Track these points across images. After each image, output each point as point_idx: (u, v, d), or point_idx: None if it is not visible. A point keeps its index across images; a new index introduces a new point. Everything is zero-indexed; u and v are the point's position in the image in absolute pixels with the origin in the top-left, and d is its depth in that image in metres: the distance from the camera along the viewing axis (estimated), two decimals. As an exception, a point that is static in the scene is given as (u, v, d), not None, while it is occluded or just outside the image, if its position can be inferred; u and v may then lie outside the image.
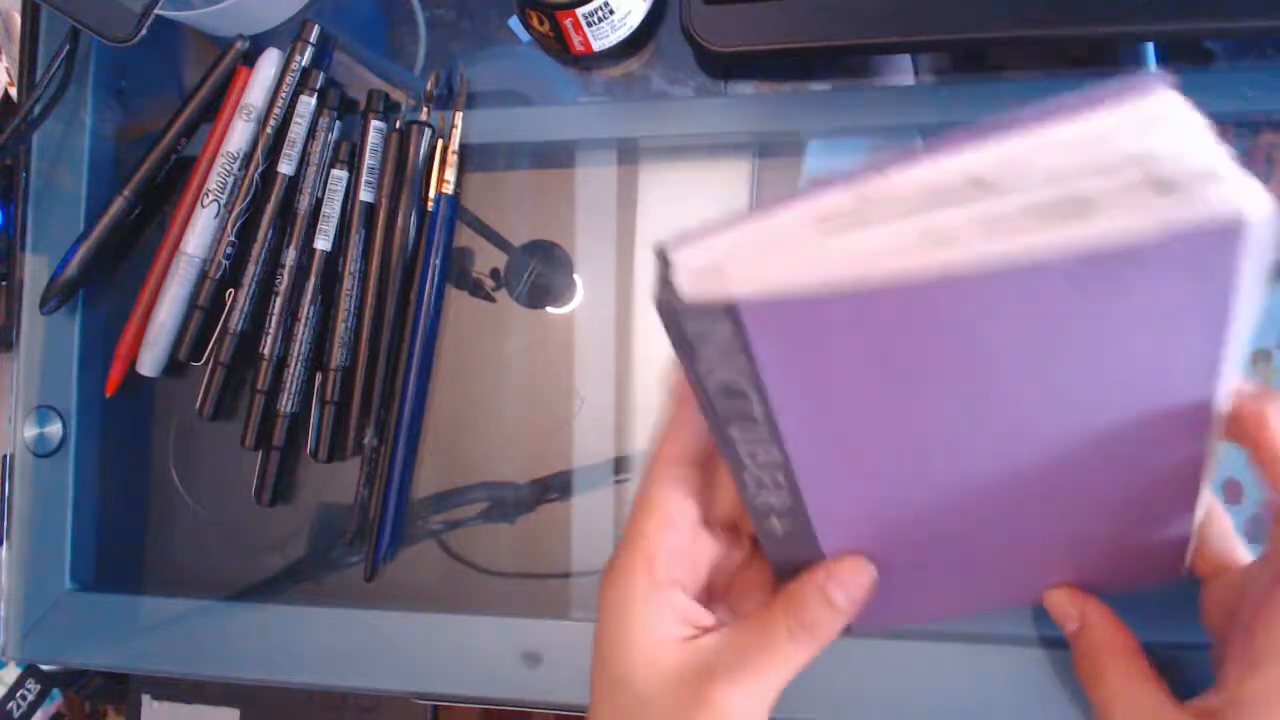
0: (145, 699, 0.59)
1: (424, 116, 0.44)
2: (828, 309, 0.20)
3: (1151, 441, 0.24)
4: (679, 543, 0.28)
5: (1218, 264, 0.19)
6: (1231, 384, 0.23)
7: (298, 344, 0.43)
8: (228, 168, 0.44)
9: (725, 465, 0.26)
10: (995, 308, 0.20)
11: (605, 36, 0.41)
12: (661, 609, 0.28)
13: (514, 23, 0.45)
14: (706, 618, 0.29)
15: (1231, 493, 0.36)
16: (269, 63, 0.45)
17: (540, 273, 0.44)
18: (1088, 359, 0.21)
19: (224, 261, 0.44)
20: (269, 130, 0.44)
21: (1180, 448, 0.24)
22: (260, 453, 0.44)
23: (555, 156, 0.44)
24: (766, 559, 0.30)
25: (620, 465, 0.42)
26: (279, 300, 0.44)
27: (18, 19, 0.50)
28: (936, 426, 0.23)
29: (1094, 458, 0.24)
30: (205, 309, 0.44)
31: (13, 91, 0.52)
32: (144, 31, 0.41)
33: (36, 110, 0.47)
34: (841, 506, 0.26)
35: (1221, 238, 0.18)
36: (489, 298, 0.44)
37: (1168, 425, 0.23)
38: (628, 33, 0.41)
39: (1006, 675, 0.37)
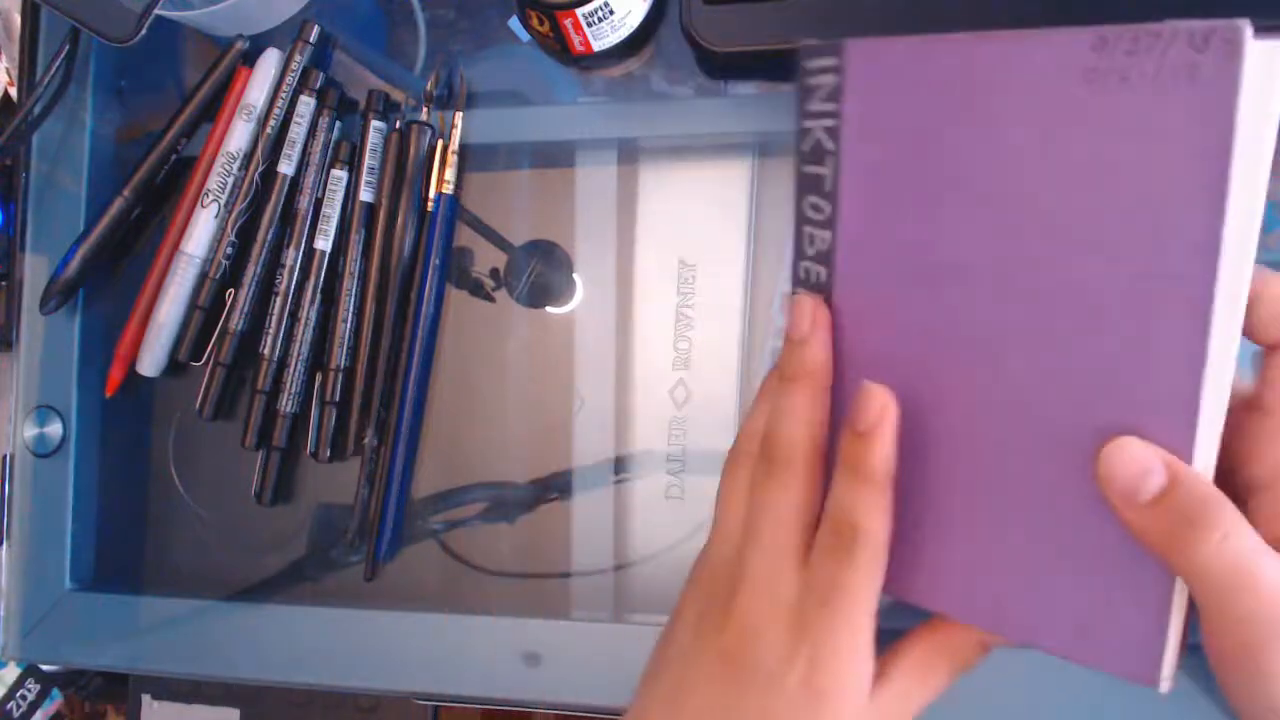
0: (145, 699, 0.59)
1: (424, 116, 0.44)
2: (903, 56, 0.25)
3: (1148, 302, 0.22)
4: None
5: (1218, 78, 0.20)
6: (1239, 263, 0.21)
7: (298, 344, 0.43)
8: (228, 168, 0.44)
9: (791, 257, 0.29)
10: (1021, 87, 0.23)
11: (605, 36, 0.41)
12: None
13: (514, 23, 0.45)
14: None
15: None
16: (269, 63, 0.45)
17: (540, 273, 0.44)
18: (1094, 174, 0.22)
19: (224, 261, 0.44)
20: (269, 130, 0.44)
21: (1178, 320, 0.21)
22: (260, 453, 0.44)
23: (555, 156, 0.44)
24: None
25: (620, 465, 0.42)
26: (279, 300, 0.44)
27: (18, 19, 0.50)
28: (965, 241, 0.25)
29: (1092, 309, 0.23)
30: (205, 309, 0.44)
31: (13, 91, 0.52)
32: (144, 31, 0.41)
33: (36, 110, 0.47)
34: (866, 314, 0.28)
35: (1223, 45, 0.19)
36: (489, 298, 0.44)
37: (1168, 281, 0.21)
38: (628, 33, 0.41)
39: (1009, 675, 0.37)
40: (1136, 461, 0.21)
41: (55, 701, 0.66)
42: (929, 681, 0.27)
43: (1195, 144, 0.20)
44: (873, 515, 0.25)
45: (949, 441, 0.26)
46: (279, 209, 0.44)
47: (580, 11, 0.39)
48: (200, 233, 0.44)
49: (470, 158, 0.44)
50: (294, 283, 0.44)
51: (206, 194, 0.44)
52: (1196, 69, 0.20)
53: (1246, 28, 0.19)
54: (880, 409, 0.25)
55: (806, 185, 0.28)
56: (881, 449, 0.25)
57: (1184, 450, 0.21)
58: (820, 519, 0.27)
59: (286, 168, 0.44)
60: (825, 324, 0.28)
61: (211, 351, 0.45)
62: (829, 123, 0.27)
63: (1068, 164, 0.22)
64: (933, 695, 0.27)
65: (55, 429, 0.47)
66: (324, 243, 0.44)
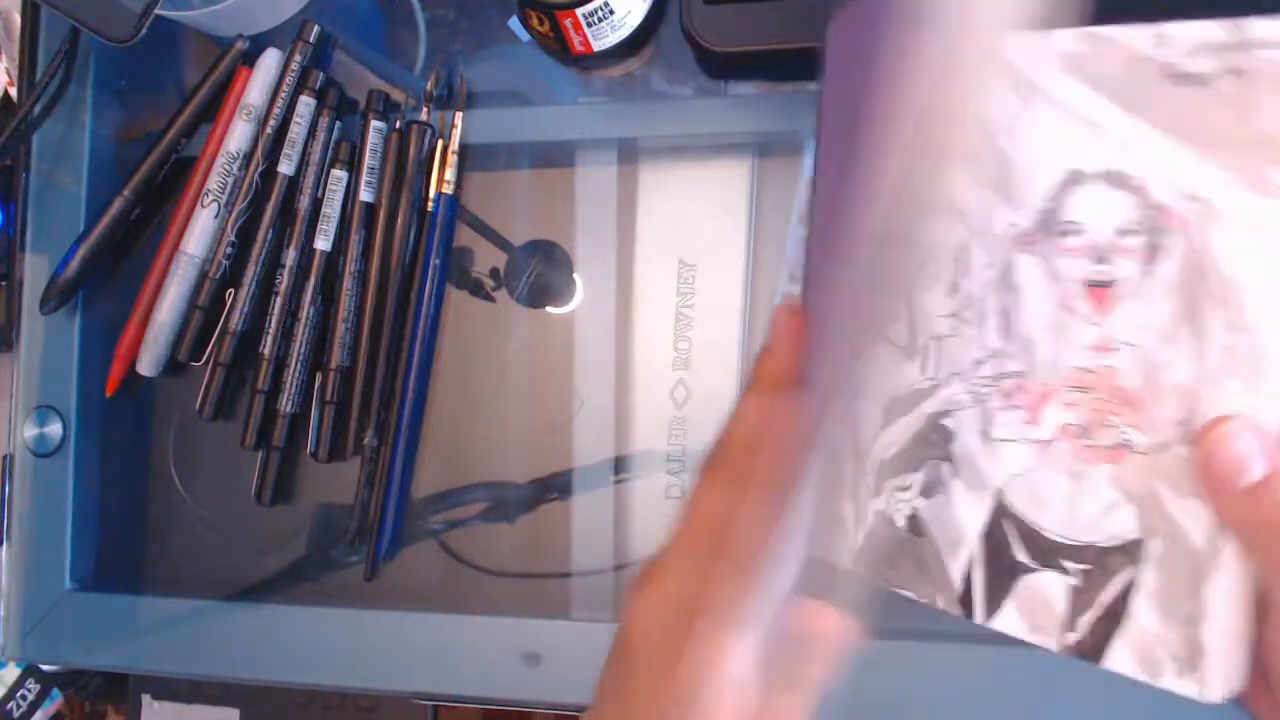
0: (145, 699, 0.59)
1: (424, 116, 0.44)
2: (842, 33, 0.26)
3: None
4: None
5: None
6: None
7: (298, 344, 0.43)
8: (228, 168, 0.44)
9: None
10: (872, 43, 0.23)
11: (605, 36, 0.41)
12: None
13: (514, 23, 0.45)
14: None
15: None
16: (269, 63, 0.45)
17: (540, 273, 0.44)
18: None
19: (224, 261, 0.44)
20: (269, 130, 0.44)
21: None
22: (260, 453, 0.44)
23: (555, 156, 0.44)
24: None
25: (620, 465, 0.42)
26: (279, 300, 0.44)
27: (18, 19, 0.50)
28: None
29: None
30: (205, 309, 0.44)
31: (13, 91, 0.52)
32: (144, 31, 0.41)
33: (36, 110, 0.47)
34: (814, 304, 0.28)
35: None
36: (489, 298, 0.44)
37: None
38: (628, 33, 0.41)
39: (1008, 675, 0.37)
40: (1240, 446, 0.21)
41: (55, 701, 0.66)
42: (807, 687, 0.26)
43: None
44: (749, 528, 0.24)
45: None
46: (279, 209, 0.44)
47: (580, 11, 0.39)
48: (200, 233, 0.44)
49: (470, 158, 0.44)
50: (294, 283, 0.44)
51: (206, 194, 0.44)
52: None
53: None
54: (758, 423, 0.25)
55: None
56: (768, 460, 0.24)
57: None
58: None
59: (286, 168, 0.44)
60: (794, 334, 0.27)
61: (211, 351, 0.45)
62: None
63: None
64: (813, 700, 0.26)
65: (55, 429, 0.47)
66: (324, 243, 0.44)
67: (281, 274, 0.44)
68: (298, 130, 0.44)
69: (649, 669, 0.26)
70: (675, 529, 0.27)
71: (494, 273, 0.44)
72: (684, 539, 0.27)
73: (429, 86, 0.44)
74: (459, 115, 0.43)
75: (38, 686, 0.65)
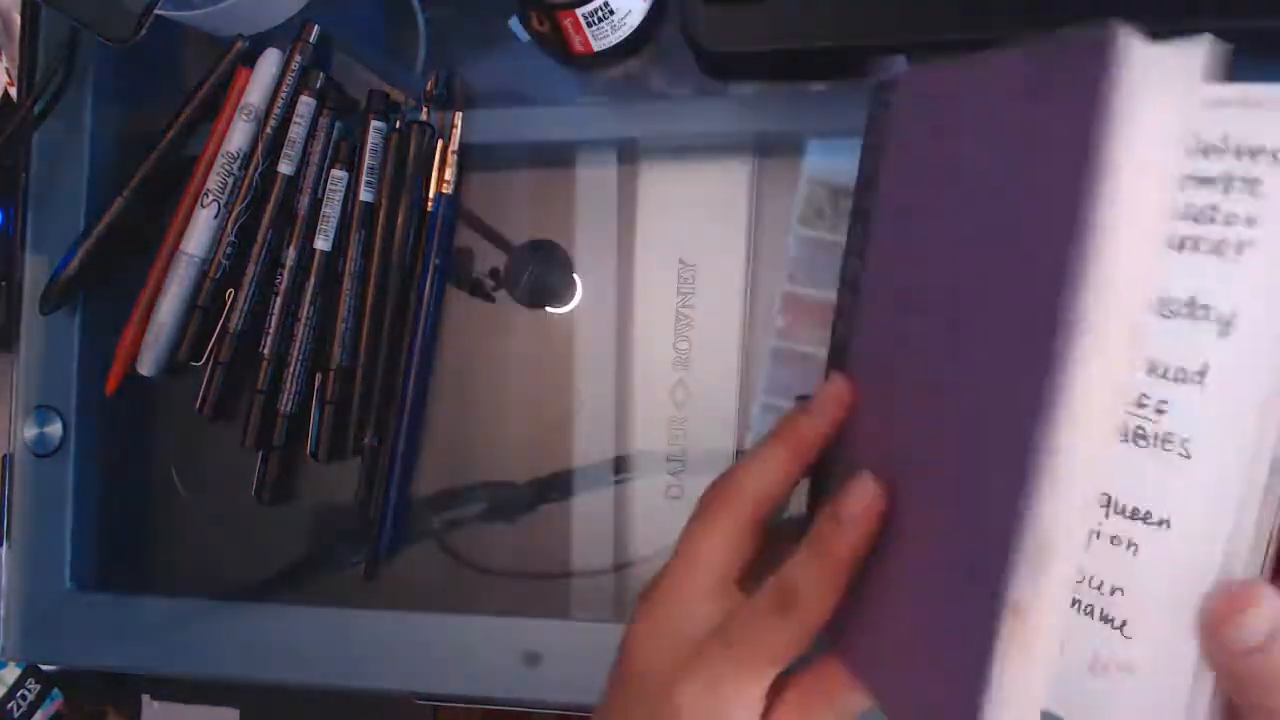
0: (145, 699, 0.59)
1: (424, 116, 0.44)
2: (918, 86, 0.27)
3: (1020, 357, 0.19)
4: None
5: (1095, 88, 0.17)
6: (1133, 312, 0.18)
7: (297, 344, 0.44)
8: (228, 168, 0.44)
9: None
10: (977, 111, 0.23)
11: (605, 37, 0.41)
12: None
13: (514, 23, 0.45)
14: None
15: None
16: (269, 63, 0.45)
17: (540, 273, 0.44)
18: (1023, 200, 0.20)
19: (224, 261, 0.44)
20: (269, 130, 0.44)
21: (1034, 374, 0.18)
22: (260, 453, 0.44)
23: (555, 156, 0.44)
24: None
25: (620, 465, 0.42)
26: (279, 300, 0.44)
27: (18, 19, 0.50)
28: (930, 279, 0.25)
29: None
30: (205, 309, 0.44)
31: (13, 91, 0.52)
32: (144, 31, 0.41)
33: (36, 110, 0.47)
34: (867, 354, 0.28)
35: (1094, 53, 0.17)
36: (489, 298, 0.44)
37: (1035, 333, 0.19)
38: (628, 33, 0.41)
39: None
40: (1239, 610, 0.21)
41: (55, 701, 0.66)
42: None
43: (1078, 161, 0.18)
44: (821, 594, 0.25)
45: (898, 501, 0.25)
46: (279, 209, 0.44)
47: (580, 11, 0.39)
48: (200, 233, 0.44)
49: (470, 158, 0.44)
50: (293, 282, 0.44)
51: (206, 194, 0.44)
52: (1082, 78, 0.18)
53: (1121, 34, 0.17)
54: (866, 506, 0.25)
55: (858, 212, 0.29)
56: (853, 539, 0.25)
57: (1018, 509, 0.19)
58: (749, 570, 0.27)
59: (286, 168, 0.44)
60: (842, 407, 0.27)
61: (211, 351, 0.45)
62: (879, 154, 0.28)
63: (1010, 188, 0.21)
64: None
65: (55, 429, 0.47)
66: (324, 243, 0.44)
67: (281, 274, 0.44)
68: (298, 130, 0.44)
69: (650, 700, 0.26)
70: (678, 563, 0.28)
71: (494, 273, 0.44)
72: (688, 577, 0.27)
73: (429, 86, 0.44)
74: (459, 115, 0.43)
75: (38, 686, 0.65)
